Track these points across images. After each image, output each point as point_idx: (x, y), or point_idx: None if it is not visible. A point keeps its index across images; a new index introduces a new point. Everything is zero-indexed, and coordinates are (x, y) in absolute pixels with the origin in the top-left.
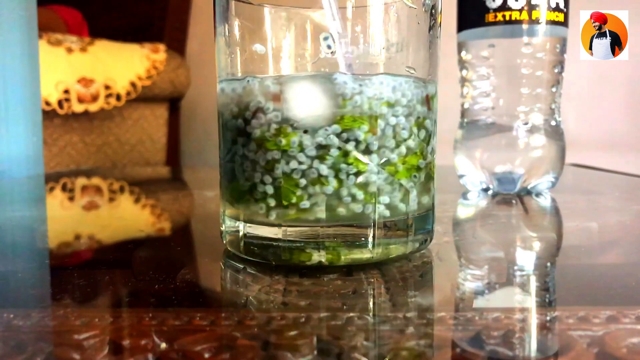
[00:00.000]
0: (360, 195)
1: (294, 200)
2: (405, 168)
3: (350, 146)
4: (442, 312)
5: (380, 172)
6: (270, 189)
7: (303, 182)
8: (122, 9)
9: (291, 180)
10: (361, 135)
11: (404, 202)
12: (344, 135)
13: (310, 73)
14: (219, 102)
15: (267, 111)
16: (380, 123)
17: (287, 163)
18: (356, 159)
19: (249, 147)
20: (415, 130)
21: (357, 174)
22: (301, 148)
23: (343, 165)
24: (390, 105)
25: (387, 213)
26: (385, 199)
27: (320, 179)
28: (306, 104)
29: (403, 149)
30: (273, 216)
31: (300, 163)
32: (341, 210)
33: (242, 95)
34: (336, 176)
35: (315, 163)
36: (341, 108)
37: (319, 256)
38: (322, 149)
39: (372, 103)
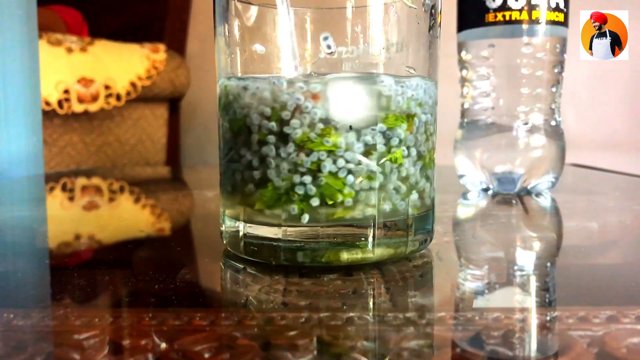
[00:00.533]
0: (403, 188)
1: (339, 198)
2: (429, 160)
3: (393, 142)
4: (442, 312)
5: (416, 164)
6: (312, 190)
7: (351, 179)
8: (122, 9)
9: (337, 178)
10: (402, 134)
11: (429, 194)
12: (388, 133)
13: (354, 73)
14: (240, 102)
15: (307, 111)
16: (416, 121)
17: (334, 162)
18: (396, 154)
19: (287, 149)
20: (435, 127)
21: (399, 167)
22: (348, 147)
23: (387, 161)
24: (421, 105)
25: (418, 203)
26: (419, 190)
27: (369, 175)
28: (352, 103)
29: (430, 143)
30: (306, 218)
31: (347, 162)
32: (386, 206)
33: (277, 95)
34: (382, 172)
35: (364, 160)
36: (385, 108)
37: (319, 256)
38: (368, 147)
39: (410, 103)
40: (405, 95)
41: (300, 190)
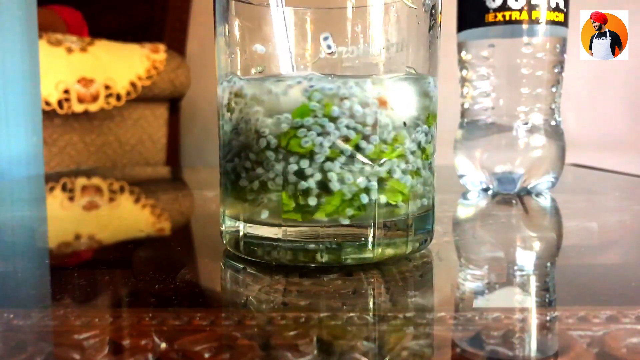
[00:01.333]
0: (431, 179)
1: (400, 199)
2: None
3: (428, 141)
4: (442, 312)
5: (434, 160)
6: (375, 195)
7: (409, 179)
8: (122, 9)
9: (399, 180)
10: (433, 131)
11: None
12: (428, 132)
13: (406, 75)
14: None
15: (381, 124)
16: (436, 120)
17: (398, 165)
18: (426, 151)
19: (355, 164)
20: None
21: (430, 164)
22: (411, 150)
23: (425, 159)
24: (436, 105)
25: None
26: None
27: (417, 172)
28: (409, 106)
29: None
30: (347, 221)
31: (407, 163)
32: (419, 201)
33: (354, 111)
34: (424, 168)
35: (418, 161)
36: (427, 108)
37: (318, 256)
38: (419, 146)
39: (437, 104)
40: (436, 96)
41: (364, 199)
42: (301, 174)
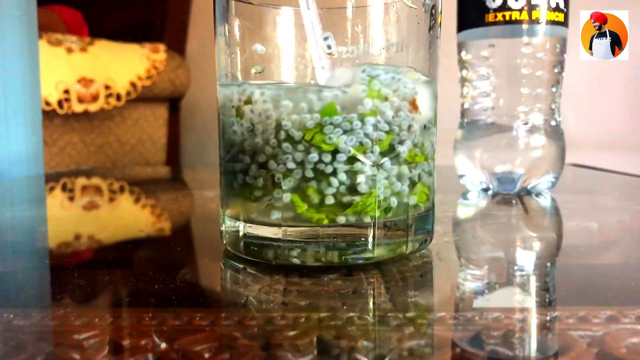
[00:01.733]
0: (434, 179)
1: (424, 200)
2: None
3: (436, 141)
4: (442, 312)
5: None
6: (406, 197)
7: (430, 180)
8: (122, 9)
9: (424, 182)
10: (436, 132)
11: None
12: (435, 134)
13: (425, 77)
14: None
15: (414, 130)
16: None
17: (423, 168)
18: (434, 152)
19: (390, 172)
20: None
21: (434, 166)
22: (430, 152)
23: (433, 160)
24: None
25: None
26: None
27: (429, 172)
28: (430, 108)
29: None
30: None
31: (428, 165)
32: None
33: (392, 110)
34: (432, 168)
35: (431, 162)
36: (435, 110)
37: (319, 256)
38: (431, 148)
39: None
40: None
41: (394, 202)
42: (329, 172)
